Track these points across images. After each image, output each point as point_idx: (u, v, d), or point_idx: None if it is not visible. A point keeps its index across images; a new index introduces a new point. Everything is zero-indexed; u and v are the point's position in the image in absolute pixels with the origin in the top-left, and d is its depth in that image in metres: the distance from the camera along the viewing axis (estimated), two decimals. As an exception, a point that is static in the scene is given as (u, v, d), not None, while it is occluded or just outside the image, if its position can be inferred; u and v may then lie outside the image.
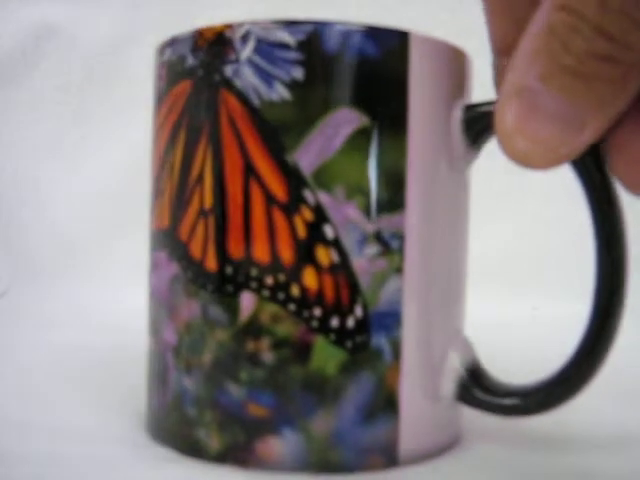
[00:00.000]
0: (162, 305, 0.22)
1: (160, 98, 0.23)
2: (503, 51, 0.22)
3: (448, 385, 0.22)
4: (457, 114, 0.22)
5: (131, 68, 0.53)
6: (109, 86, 0.54)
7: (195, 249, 0.21)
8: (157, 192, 0.23)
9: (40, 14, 0.54)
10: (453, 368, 0.22)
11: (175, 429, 0.22)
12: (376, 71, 0.20)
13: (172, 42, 0.22)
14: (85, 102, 0.54)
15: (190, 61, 0.21)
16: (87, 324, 0.41)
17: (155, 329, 0.23)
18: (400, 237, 0.21)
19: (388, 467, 0.21)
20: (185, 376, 0.21)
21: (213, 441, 0.21)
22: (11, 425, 0.24)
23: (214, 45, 0.21)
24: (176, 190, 0.22)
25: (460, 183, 0.23)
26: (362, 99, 0.20)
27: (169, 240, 0.22)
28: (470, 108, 0.22)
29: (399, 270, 0.21)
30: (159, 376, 0.22)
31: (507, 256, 0.39)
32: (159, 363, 0.22)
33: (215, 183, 0.21)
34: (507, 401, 0.22)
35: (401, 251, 0.21)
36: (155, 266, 0.23)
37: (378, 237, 0.20)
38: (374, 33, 0.20)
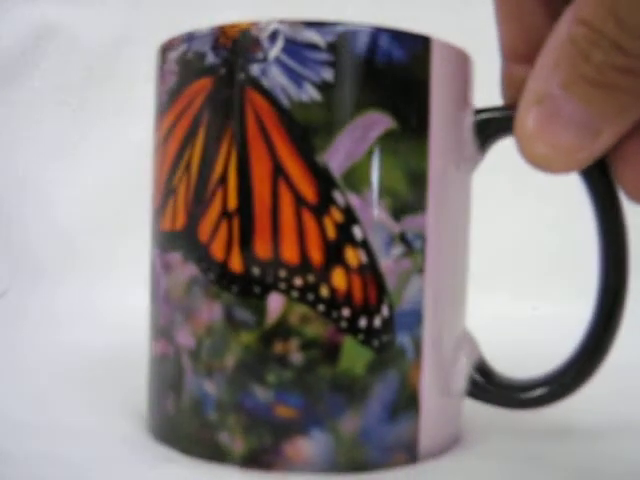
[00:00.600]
0: (176, 308, 0.22)
1: (171, 95, 0.22)
2: (511, 57, 0.23)
3: (459, 381, 0.23)
4: (469, 117, 0.22)
5: (131, 68, 0.53)
6: (109, 86, 0.53)
7: (217, 250, 0.21)
8: (167, 192, 0.22)
9: (40, 14, 0.53)
10: (463, 364, 0.23)
11: (194, 434, 0.21)
12: (402, 75, 0.21)
13: (188, 38, 0.21)
14: (85, 102, 0.53)
15: (210, 58, 0.21)
16: (88, 324, 0.41)
17: (166, 333, 0.22)
18: (422, 237, 0.21)
19: (409, 463, 0.21)
20: (205, 380, 0.21)
21: (237, 445, 0.21)
22: (11, 425, 0.24)
23: (238, 43, 0.20)
24: (194, 190, 0.21)
25: (467, 184, 0.23)
26: (389, 102, 0.20)
27: (185, 241, 0.21)
28: (480, 112, 0.22)
29: (421, 270, 0.21)
30: (173, 381, 0.22)
31: (507, 256, 0.40)
32: (172, 367, 0.22)
33: (240, 184, 0.20)
34: (516, 394, 0.23)
35: (422, 251, 0.21)
36: (166, 268, 0.22)
37: (403, 238, 0.21)
38: (400, 37, 0.20)
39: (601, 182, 0.21)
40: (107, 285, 0.47)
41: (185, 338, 0.22)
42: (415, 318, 0.21)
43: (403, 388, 0.21)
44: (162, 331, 0.22)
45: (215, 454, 0.21)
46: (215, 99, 0.21)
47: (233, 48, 0.20)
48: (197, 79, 0.21)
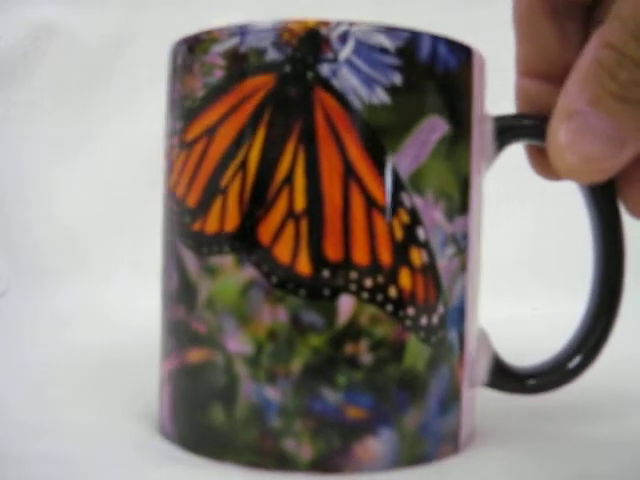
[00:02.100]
0: (226, 314, 0.21)
1: (216, 90, 0.21)
2: (525, 73, 0.25)
3: (481, 373, 0.24)
4: (489, 123, 0.24)
5: (131, 68, 0.52)
6: (110, 86, 0.53)
7: (282, 253, 0.20)
8: (212, 191, 0.21)
9: (40, 14, 0.53)
10: (483, 356, 0.24)
11: (252, 444, 0.21)
12: (455, 82, 0.22)
13: (241, 32, 0.21)
14: (85, 102, 0.53)
15: (272, 54, 0.20)
16: (89, 324, 0.40)
17: (210, 340, 0.21)
18: (466, 238, 0.22)
19: (453, 454, 0.22)
20: (267, 386, 0.20)
21: (304, 451, 0.20)
22: (11, 425, 0.24)
23: (306, 41, 0.20)
24: (252, 190, 0.20)
25: (483, 186, 0.25)
26: (446, 107, 0.21)
27: (240, 243, 0.21)
28: (499, 119, 0.24)
29: (464, 268, 0.22)
30: (222, 389, 0.21)
31: (507, 256, 0.41)
32: (221, 376, 0.21)
33: (309, 184, 0.20)
34: (531, 382, 0.25)
35: (466, 251, 0.22)
36: (210, 272, 0.21)
37: (454, 238, 0.22)
38: (453, 45, 0.21)
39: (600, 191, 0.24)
40: (108, 285, 0.47)
41: (239, 345, 0.21)
42: (460, 314, 0.22)
43: (452, 382, 0.22)
44: (202, 339, 0.21)
45: (279, 462, 0.20)
46: (279, 97, 0.20)
47: (299, 46, 0.20)
48: (255, 75, 0.20)
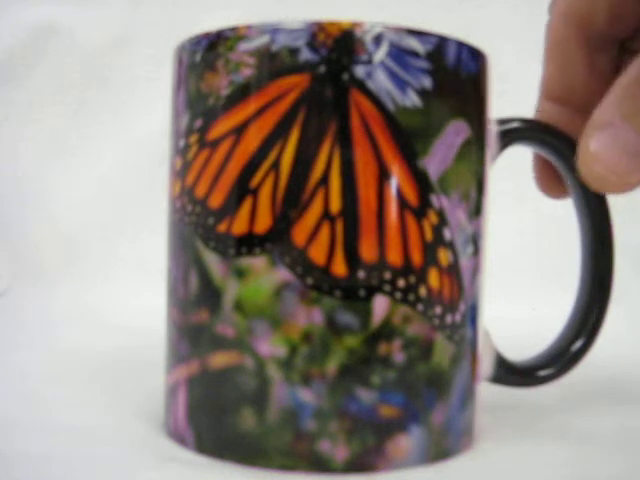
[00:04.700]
0: (256, 316, 0.20)
1: (244, 89, 0.21)
2: (548, 97, 0.26)
3: (487, 368, 0.25)
4: (494, 126, 0.25)
5: (131, 68, 0.53)
6: (109, 85, 0.53)
7: (317, 254, 0.20)
8: (240, 192, 0.21)
9: (40, 14, 0.53)
10: (487, 353, 0.25)
11: (285, 447, 0.20)
12: (475, 86, 0.22)
13: (272, 30, 0.20)
14: (85, 102, 0.53)
15: (306, 54, 0.20)
16: (89, 324, 0.40)
17: (238, 344, 0.21)
18: (480, 238, 0.23)
19: (468, 448, 0.23)
20: (301, 388, 0.20)
21: (339, 451, 0.20)
22: (12, 425, 0.24)
23: (341, 42, 0.20)
24: (285, 190, 0.20)
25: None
26: (467, 111, 0.22)
27: (273, 245, 0.20)
28: (502, 121, 0.25)
29: (478, 267, 0.23)
30: (252, 393, 0.21)
31: (507, 256, 0.41)
32: (251, 380, 0.21)
33: (345, 186, 0.20)
34: (531, 375, 0.26)
35: (480, 250, 0.23)
36: (239, 274, 0.21)
37: (473, 238, 0.22)
38: (473, 51, 0.22)
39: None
40: (108, 285, 0.46)
41: (271, 347, 0.20)
42: (475, 312, 0.23)
43: (469, 378, 0.23)
44: (228, 343, 0.21)
45: (313, 464, 0.20)
46: (313, 97, 0.20)
47: (335, 47, 0.20)
48: (287, 75, 0.20)
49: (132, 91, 0.52)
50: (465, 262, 0.22)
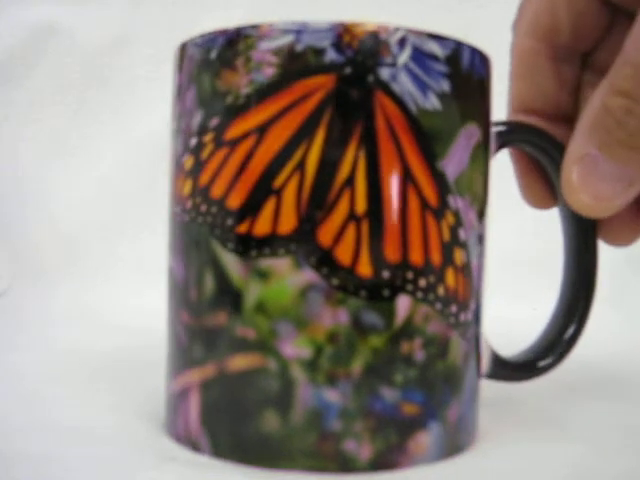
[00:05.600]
0: (281, 318, 0.20)
1: (267, 88, 0.20)
2: (518, 109, 0.27)
3: (485, 365, 0.26)
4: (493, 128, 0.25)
5: (131, 68, 0.52)
6: (109, 85, 0.53)
7: (343, 254, 0.20)
8: (262, 192, 0.20)
9: (40, 14, 0.53)
10: (484, 350, 0.26)
11: (310, 448, 0.20)
12: (483, 90, 0.23)
13: (296, 30, 0.20)
14: (85, 102, 0.53)
15: (332, 55, 0.20)
16: (89, 324, 0.40)
17: (262, 346, 0.20)
18: (484, 238, 0.24)
19: (474, 443, 0.24)
20: (327, 389, 0.20)
21: (364, 451, 0.21)
22: (12, 425, 0.24)
23: (367, 44, 0.20)
24: (311, 191, 0.20)
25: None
26: (479, 115, 0.22)
27: (298, 246, 0.20)
28: (496, 124, 0.26)
29: (482, 267, 0.24)
30: (276, 395, 0.20)
31: (507, 256, 0.41)
32: (276, 382, 0.20)
33: (370, 187, 0.20)
34: (540, 364, 0.26)
35: (484, 250, 0.24)
36: (262, 276, 0.20)
37: (480, 239, 0.23)
38: (482, 56, 0.23)
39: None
40: (108, 285, 0.46)
41: (296, 348, 0.20)
42: (479, 310, 0.24)
43: (476, 374, 0.23)
44: (250, 345, 0.21)
45: (338, 465, 0.20)
46: (339, 98, 0.20)
47: (360, 48, 0.20)
48: (313, 75, 0.20)
49: (132, 91, 0.52)
50: (475, 262, 0.23)
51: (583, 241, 0.27)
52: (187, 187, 0.22)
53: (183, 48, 0.23)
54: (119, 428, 0.24)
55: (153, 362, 0.26)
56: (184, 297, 0.22)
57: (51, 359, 0.33)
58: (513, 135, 0.26)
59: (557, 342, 0.26)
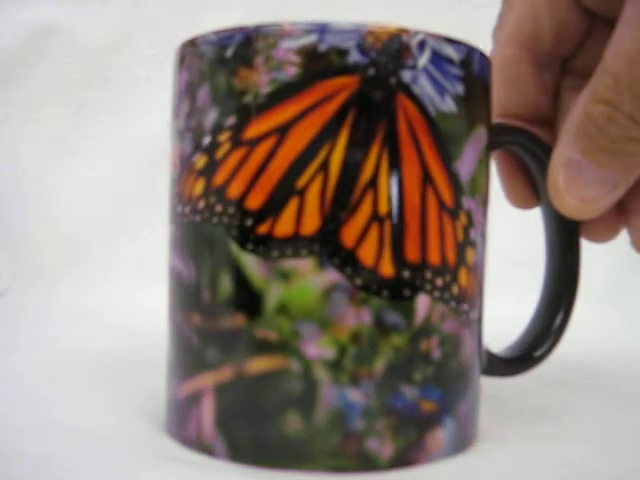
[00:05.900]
0: (304, 318, 0.20)
1: (289, 87, 0.20)
2: (504, 115, 0.28)
3: (483, 360, 0.26)
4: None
5: (131, 68, 0.52)
6: (109, 85, 0.53)
7: (366, 255, 0.20)
8: (285, 193, 0.20)
9: (40, 14, 0.53)
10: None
11: (333, 448, 0.20)
12: (487, 94, 0.23)
13: (319, 30, 0.20)
14: (85, 102, 0.53)
15: (356, 56, 0.20)
16: (89, 324, 0.40)
17: (283, 348, 0.20)
18: (486, 237, 0.24)
19: (475, 439, 0.24)
20: (350, 389, 0.20)
21: (386, 448, 0.21)
22: (12, 425, 0.24)
23: (389, 46, 0.20)
24: (335, 192, 0.20)
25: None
26: (486, 118, 0.23)
27: (321, 246, 0.20)
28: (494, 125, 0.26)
29: (483, 264, 0.24)
30: (298, 397, 0.20)
31: (507, 256, 0.40)
32: (299, 383, 0.20)
33: (392, 188, 0.20)
34: (536, 353, 0.27)
35: (485, 249, 0.24)
36: (284, 277, 0.20)
37: (483, 237, 0.24)
38: (486, 59, 0.23)
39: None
40: (108, 285, 0.46)
41: (319, 349, 0.20)
42: (482, 307, 0.24)
43: (479, 371, 0.24)
44: (271, 347, 0.20)
45: (360, 464, 0.21)
46: (363, 100, 0.20)
47: (383, 50, 0.20)
48: (336, 75, 0.20)
49: (132, 91, 0.52)
50: (480, 260, 0.23)
51: (567, 238, 0.28)
52: (199, 187, 0.22)
53: (192, 45, 0.22)
54: (119, 428, 0.24)
55: (153, 362, 0.26)
56: (195, 299, 0.22)
57: (51, 359, 0.33)
58: (502, 137, 0.26)
59: (547, 331, 0.27)
